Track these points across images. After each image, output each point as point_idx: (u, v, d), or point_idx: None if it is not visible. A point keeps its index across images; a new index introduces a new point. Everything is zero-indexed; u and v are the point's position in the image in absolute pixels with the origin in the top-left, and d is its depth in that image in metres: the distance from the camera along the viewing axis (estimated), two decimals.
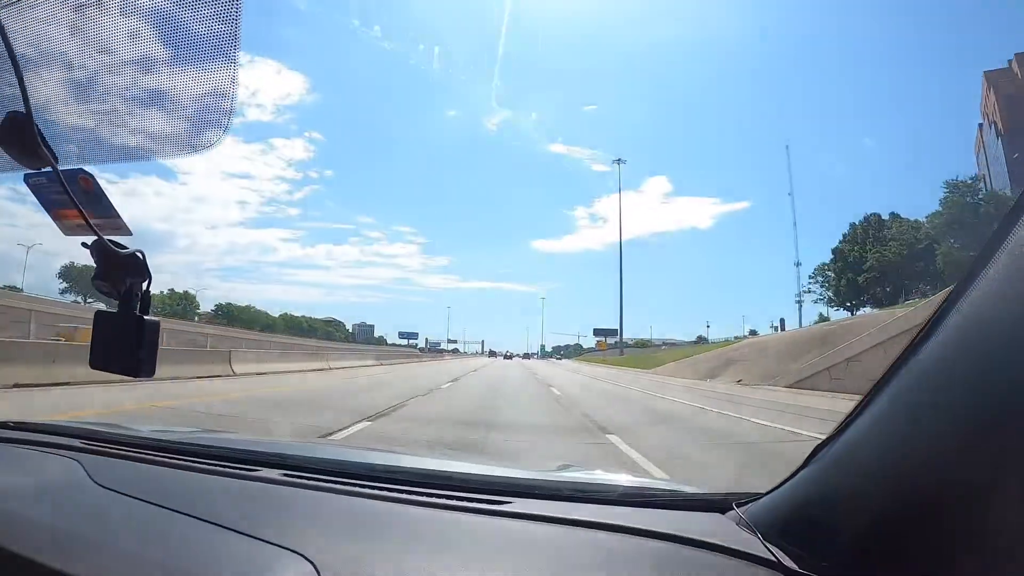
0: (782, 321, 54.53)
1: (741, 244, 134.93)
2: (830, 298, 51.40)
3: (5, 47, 0.54)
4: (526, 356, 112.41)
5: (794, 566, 0.63)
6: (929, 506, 0.53)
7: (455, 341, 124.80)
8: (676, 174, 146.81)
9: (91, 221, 0.64)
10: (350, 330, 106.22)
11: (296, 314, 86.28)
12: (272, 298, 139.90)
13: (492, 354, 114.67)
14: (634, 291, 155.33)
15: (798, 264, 61.65)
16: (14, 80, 0.54)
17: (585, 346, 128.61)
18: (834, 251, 51.53)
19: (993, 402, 0.48)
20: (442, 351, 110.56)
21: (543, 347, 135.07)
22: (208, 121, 0.64)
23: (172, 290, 70.73)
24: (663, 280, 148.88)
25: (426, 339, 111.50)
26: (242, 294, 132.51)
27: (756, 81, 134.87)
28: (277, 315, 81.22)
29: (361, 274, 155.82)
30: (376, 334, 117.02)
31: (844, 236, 50.28)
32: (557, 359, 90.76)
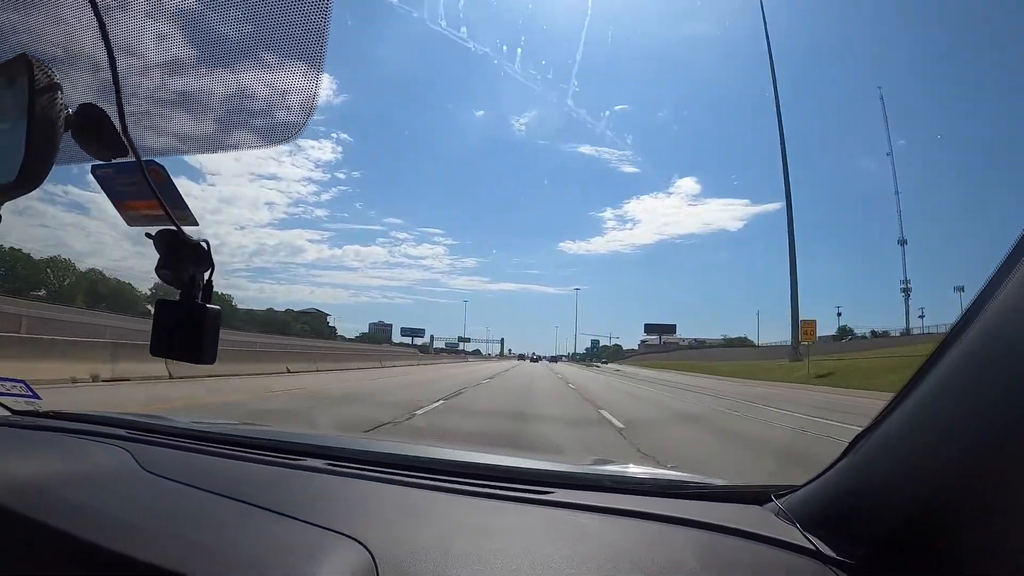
0: None
1: (775, 245, 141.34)
2: None
3: (104, 40, 0.59)
4: (553, 359, 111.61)
5: (832, 554, 0.67)
6: (965, 498, 0.56)
7: (467, 340, 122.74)
8: (705, 175, 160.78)
9: (159, 212, 0.72)
10: (331, 324, 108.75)
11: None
12: (300, 299, 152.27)
13: (521, 357, 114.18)
14: (666, 292, 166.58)
15: (903, 242, 46.67)
16: (106, 70, 0.60)
17: (625, 347, 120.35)
18: None
19: None
20: (458, 352, 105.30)
21: (596, 343, 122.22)
22: (286, 116, 0.71)
23: None
24: (698, 281, 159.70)
25: (431, 336, 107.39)
26: (271, 295, 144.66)
27: (788, 78, 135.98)
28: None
29: (389, 275, 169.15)
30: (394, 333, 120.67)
31: None
32: (600, 364, 77.82)
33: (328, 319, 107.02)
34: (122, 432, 1.20)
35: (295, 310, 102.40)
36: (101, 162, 0.71)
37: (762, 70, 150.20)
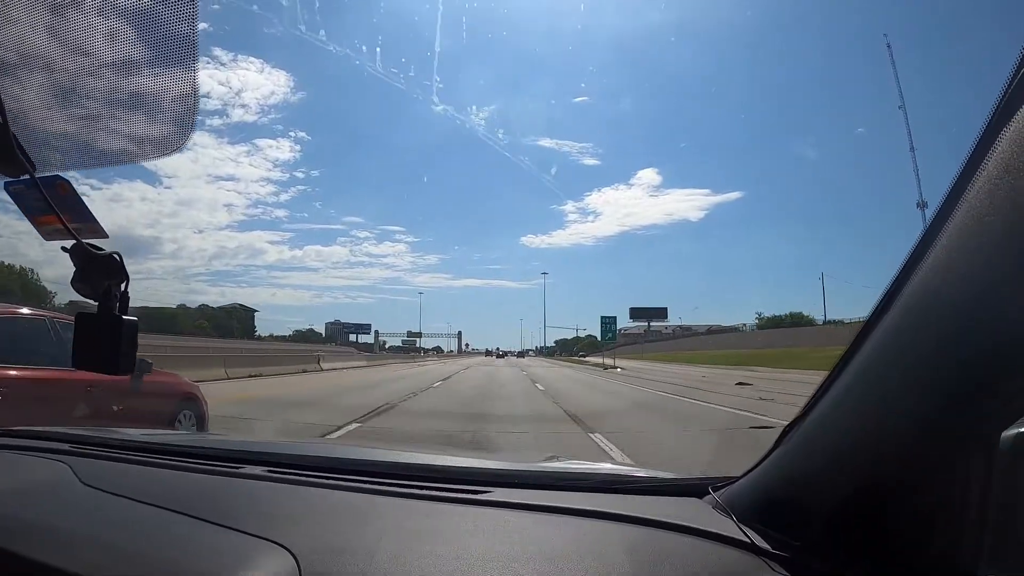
0: None
1: (737, 234, 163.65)
2: None
3: None
4: (520, 354, 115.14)
5: (767, 547, 0.74)
6: (894, 483, 0.63)
7: (418, 334, 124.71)
8: (666, 166, 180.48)
9: (69, 225, 0.81)
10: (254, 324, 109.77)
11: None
12: (261, 301, 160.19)
13: (489, 353, 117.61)
14: (633, 283, 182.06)
15: (923, 206, 48.93)
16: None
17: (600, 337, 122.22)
18: None
19: (951, 376, 0.58)
20: (415, 350, 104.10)
21: (612, 321, 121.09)
22: (177, 120, 0.81)
23: None
24: (665, 271, 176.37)
25: (376, 332, 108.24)
26: (232, 298, 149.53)
27: (745, 69, 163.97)
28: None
29: (351, 275, 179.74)
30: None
31: None
32: (581, 356, 74.62)
33: (255, 315, 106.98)
34: (64, 447, 1.31)
35: (213, 306, 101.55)
36: (11, 179, 0.80)
37: (720, 59, 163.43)
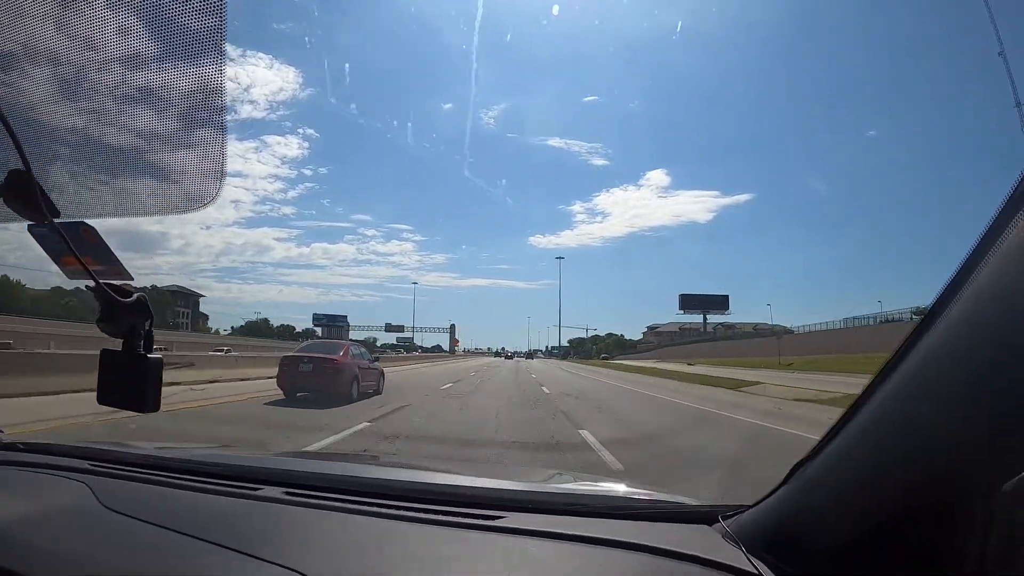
0: None
1: (747, 235, 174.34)
2: None
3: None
4: (529, 355, 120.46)
5: None
6: (903, 524, 0.71)
7: (400, 328, 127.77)
8: (675, 167, 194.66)
9: (93, 269, 0.90)
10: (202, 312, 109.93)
11: None
12: (269, 298, 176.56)
13: (497, 355, 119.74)
14: (646, 284, 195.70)
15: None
16: (9, 141, 0.77)
17: (628, 338, 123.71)
18: None
19: (962, 425, 0.65)
20: (405, 348, 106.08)
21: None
22: (202, 182, 0.93)
23: None
24: (672, 271, 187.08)
25: (347, 325, 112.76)
26: (238, 295, 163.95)
27: (757, 70, 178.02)
28: None
29: (357, 272, 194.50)
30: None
31: None
32: (604, 358, 70.37)
33: (200, 301, 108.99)
34: (83, 464, 1.47)
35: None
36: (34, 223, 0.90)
37: (729, 60, 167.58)
